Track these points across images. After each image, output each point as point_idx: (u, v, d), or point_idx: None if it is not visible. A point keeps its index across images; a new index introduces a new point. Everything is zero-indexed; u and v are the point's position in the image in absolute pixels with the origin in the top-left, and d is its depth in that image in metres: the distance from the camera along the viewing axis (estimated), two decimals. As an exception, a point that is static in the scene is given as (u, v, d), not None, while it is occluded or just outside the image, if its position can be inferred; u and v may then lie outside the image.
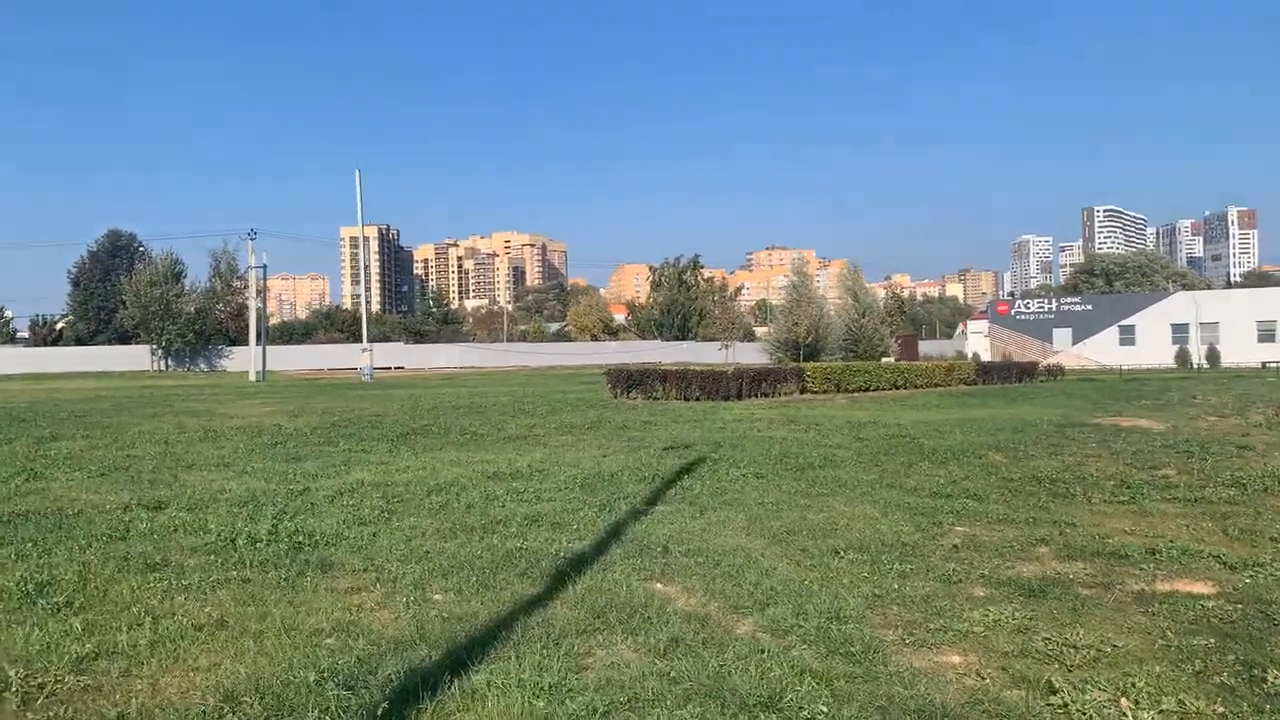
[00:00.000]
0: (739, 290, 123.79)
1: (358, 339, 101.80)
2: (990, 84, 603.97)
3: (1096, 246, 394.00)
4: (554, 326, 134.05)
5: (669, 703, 4.47)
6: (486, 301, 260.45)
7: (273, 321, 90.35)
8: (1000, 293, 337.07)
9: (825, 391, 29.85)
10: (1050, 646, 5.25)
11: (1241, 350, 53.55)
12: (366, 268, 65.85)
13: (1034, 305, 65.89)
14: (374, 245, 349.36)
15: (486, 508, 9.51)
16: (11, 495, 10.52)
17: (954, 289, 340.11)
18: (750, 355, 59.70)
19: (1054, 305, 65.03)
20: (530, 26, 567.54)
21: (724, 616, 5.87)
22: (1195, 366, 50.79)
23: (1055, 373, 40.29)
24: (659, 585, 6.64)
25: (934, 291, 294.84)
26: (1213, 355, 48.83)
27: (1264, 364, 52.23)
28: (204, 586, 6.54)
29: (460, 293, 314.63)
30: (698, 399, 26.72)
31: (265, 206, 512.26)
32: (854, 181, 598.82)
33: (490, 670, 4.87)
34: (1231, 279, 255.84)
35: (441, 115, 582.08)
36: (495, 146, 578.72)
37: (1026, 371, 37.02)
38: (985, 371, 35.12)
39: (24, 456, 14.06)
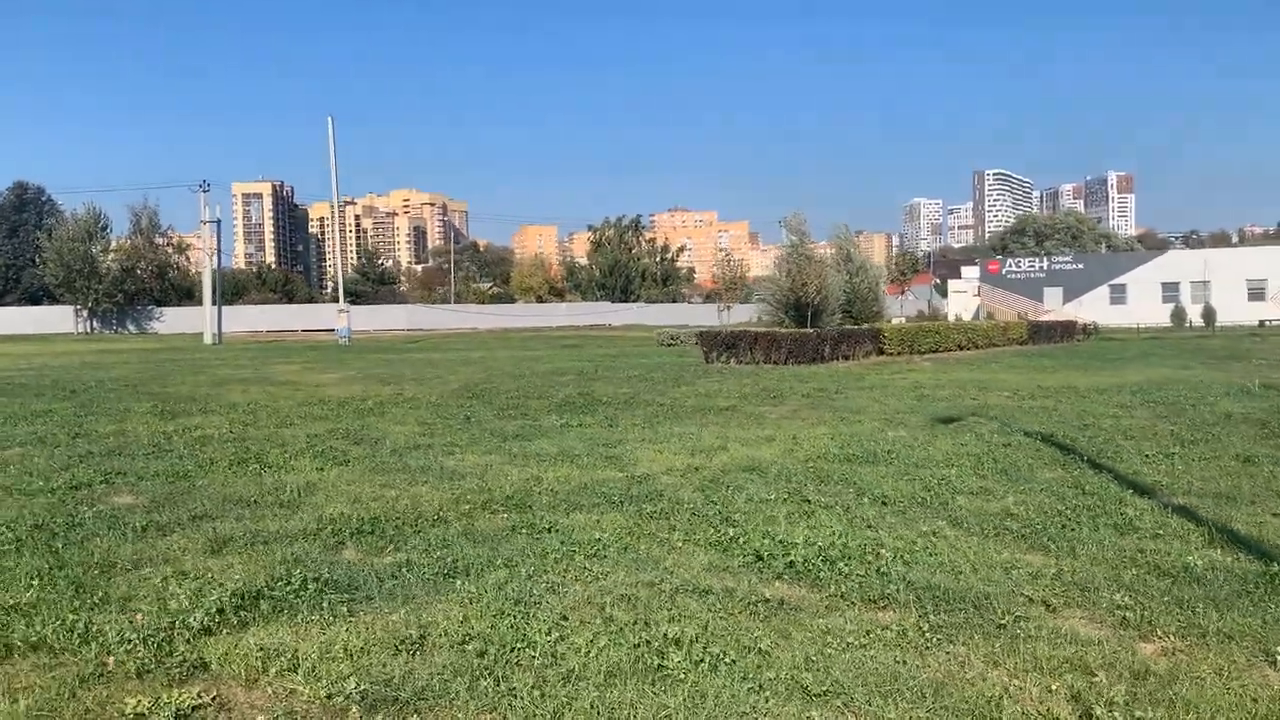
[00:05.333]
0: (681, 250, 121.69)
1: (291, 300, 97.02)
2: (882, 51, 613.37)
3: (986, 209, 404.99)
4: (485, 286, 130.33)
5: None
6: (391, 264, 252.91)
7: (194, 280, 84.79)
8: (892, 254, 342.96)
9: (900, 353, 28.55)
10: None
11: (1234, 309, 54.71)
12: (340, 225, 61.56)
13: (1025, 264, 66.47)
14: (267, 203, 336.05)
15: (955, 502, 7.68)
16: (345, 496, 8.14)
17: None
18: (741, 315, 58.16)
19: (1045, 264, 65.66)
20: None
21: None
22: (1196, 325, 51.30)
23: (1090, 332, 40.44)
24: None
25: (830, 252, 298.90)
26: (1209, 314, 49.51)
27: (1261, 322, 53.50)
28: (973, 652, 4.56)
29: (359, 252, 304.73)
30: (785, 362, 25.11)
31: (140, 161, 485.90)
32: (749, 145, 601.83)
33: None
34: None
35: (334, 69, 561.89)
36: (388, 101, 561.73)
37: (1067, 331, 36.80)
38: (1035, 331, 34.76)
39: (187, 439, 11.48)
